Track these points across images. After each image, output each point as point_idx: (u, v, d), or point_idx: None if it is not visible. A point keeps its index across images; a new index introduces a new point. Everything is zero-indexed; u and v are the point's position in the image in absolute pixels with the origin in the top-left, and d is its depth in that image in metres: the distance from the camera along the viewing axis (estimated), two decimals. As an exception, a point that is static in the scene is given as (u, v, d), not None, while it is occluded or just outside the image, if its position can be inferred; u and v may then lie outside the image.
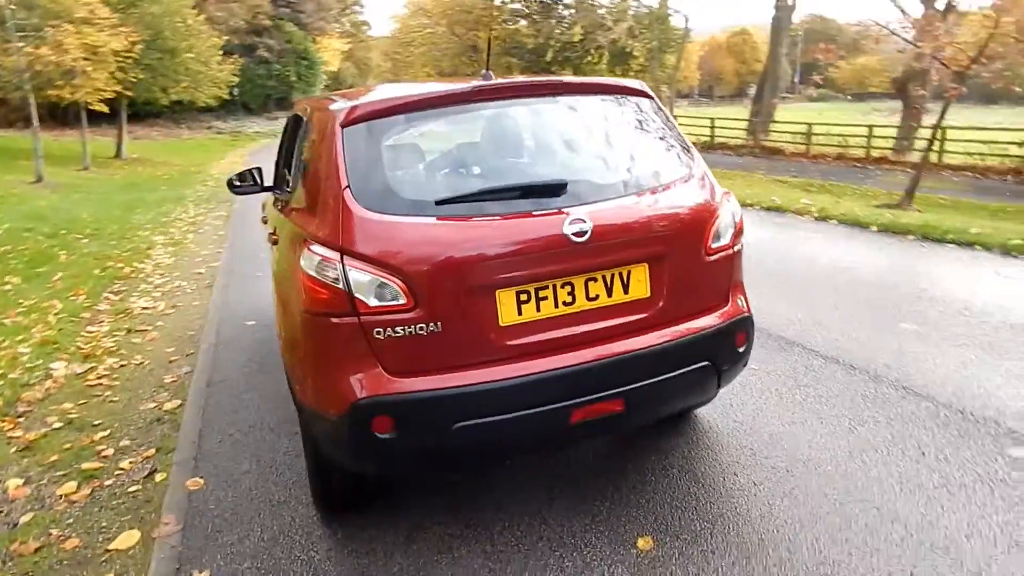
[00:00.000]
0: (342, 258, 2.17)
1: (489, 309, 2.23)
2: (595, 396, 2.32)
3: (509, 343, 2.26)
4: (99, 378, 4.49)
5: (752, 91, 37.78)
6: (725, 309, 2.63)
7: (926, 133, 19.41)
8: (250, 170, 4.44)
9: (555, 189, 2.36)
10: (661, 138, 2.73)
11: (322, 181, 2.38)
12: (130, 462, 3.37)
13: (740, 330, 2.66)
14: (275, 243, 3.21)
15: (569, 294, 2.31)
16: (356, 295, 2.15)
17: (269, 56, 38.41)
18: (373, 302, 2.16)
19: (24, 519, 2.94)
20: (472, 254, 2.21)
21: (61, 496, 3.10)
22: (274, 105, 39.84)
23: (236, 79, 25.76)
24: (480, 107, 2.56)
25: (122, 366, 4.71)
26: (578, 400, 2.30)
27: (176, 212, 11.91)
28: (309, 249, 2.27)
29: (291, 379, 2.44)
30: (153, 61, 20.73)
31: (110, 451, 3.50)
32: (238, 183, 4.40)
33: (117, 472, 3.30)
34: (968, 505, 2.62)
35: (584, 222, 2.27)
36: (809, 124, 22.36)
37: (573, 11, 17.69)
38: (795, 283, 5.76)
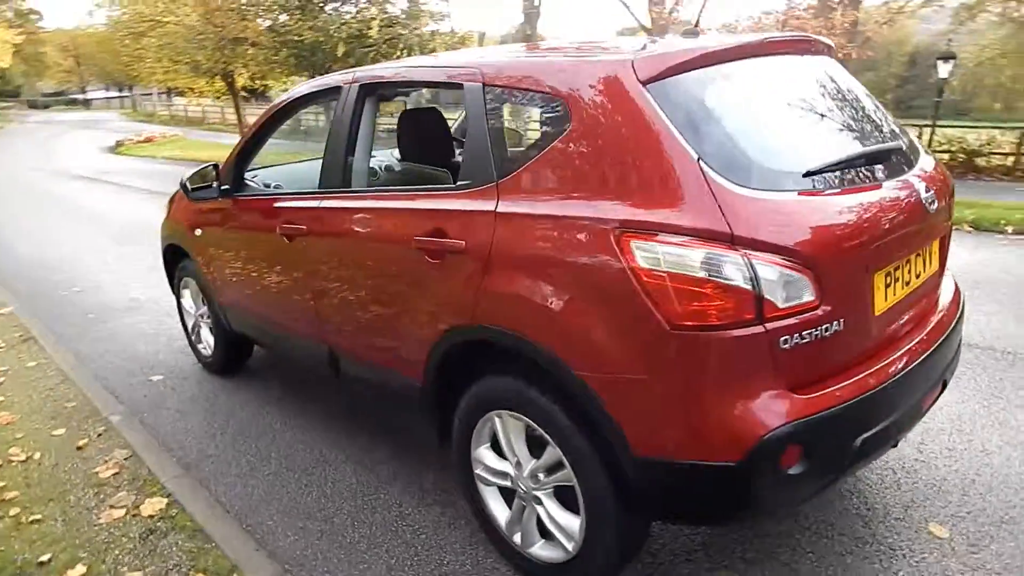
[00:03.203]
0: (736, 249, 1.61)
1: (868, 296, 1.84)
2: (936, 381, 2.07)
3: (881, 333, 1.89)
4: (-26, 493, 2.98)
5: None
6: (950, 281, 2.53)
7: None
8: (208, 168, 3.37)
9: (892, 154, 2.04)
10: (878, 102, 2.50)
11: (632, 153, 1.75)
12: (180, 602, 2.25)
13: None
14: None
15: (909, 272, 2.02)
16: (767, 296, 1.62)
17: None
18: (783, 303, 1.64)
19: None
20: (863, 233, 1.79)
21: None
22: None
23: None
24: (768, 62, 2.08)
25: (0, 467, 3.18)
26: (929, 387, 2.03)
27: None
28: (657, 240, 1.65)
29: (617, 426, 1.76)
30: None
31: (121, 595, 2.30)
32: (201, 186, 3.33)
33: (172, 622, 2.17)
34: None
35: (931, 190, 2.00)
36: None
37: (354, 6, 16.61)
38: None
